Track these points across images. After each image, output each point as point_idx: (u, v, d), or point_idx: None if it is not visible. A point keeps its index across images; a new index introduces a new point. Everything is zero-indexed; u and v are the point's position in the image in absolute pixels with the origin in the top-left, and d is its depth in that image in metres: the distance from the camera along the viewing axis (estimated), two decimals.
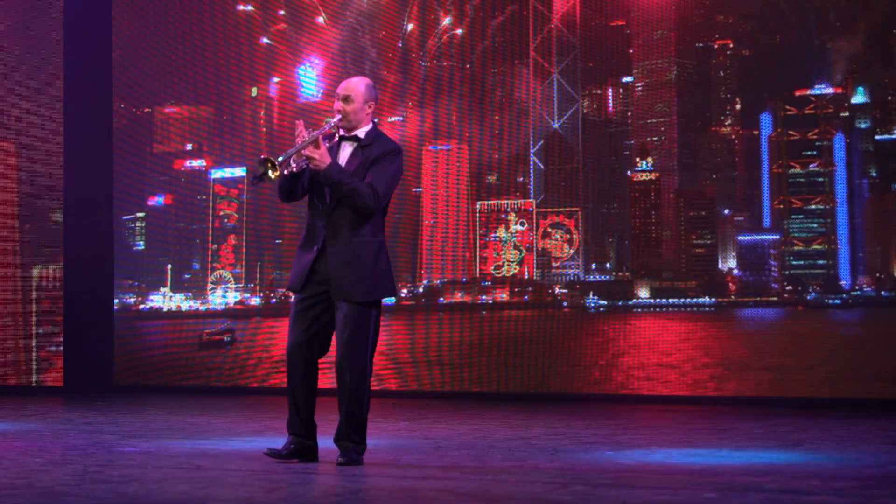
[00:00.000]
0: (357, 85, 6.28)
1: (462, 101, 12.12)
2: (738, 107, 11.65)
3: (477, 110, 12.10)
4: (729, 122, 11.66)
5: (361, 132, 6.31)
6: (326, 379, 6.42)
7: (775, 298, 11.13)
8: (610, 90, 12.14)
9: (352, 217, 6.17)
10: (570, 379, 11.09)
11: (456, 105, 12.15)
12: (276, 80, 12.84)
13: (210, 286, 12.95)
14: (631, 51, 11.99)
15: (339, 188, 6.10)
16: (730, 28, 11.62)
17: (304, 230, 6.36)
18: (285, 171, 6.12)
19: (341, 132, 6.34)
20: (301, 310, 6.29)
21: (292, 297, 6.46)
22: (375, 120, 6.45)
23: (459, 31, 12.04)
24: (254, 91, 13.04)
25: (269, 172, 6.03)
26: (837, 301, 10.85)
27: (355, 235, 6.18)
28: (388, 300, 11.49)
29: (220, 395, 11.88)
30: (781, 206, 11.15)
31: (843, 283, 10.82)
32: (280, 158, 6.10)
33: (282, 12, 12.58)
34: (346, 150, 6.30)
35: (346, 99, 6.24)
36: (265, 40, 12.67)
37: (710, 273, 11.38)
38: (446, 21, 12.10)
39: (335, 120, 6.26)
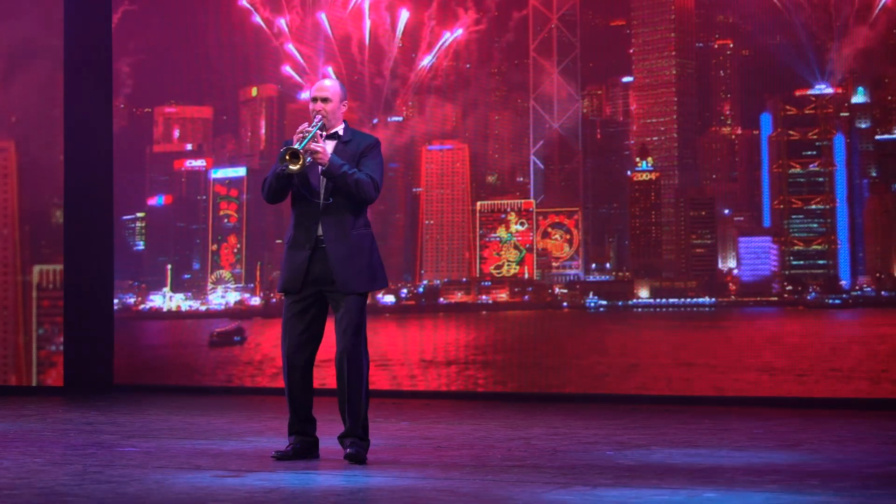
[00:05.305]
0: (333, 86, 6.50)
1: (462, 101, 12.12)
2: (738, 107, 11.65)
3: (477, 110, 12.10)
4: (729, 122, 11.66)
5: (339, 130, 6.49)
6: (323, 378, 6.43)
7: (775, 298, 11.13)
8: (610, 90, 12.14)
9: (346, 212, 6.31)
10: (570, 379, 11.09)
11: (456, 105, 12.14)
12: (275, 80, 12.84)
13: (210, 286, 12.95)
14: (631, 51, 11.99)
15: (344, 179, 6.25)
16: (730, 28, 11.62)
17: (290, 230, 6.43)
18: (294, 168, 6.19)
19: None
20: (296, 313, 6.36)
21: (284, 299, 6.51)
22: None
23: (460, 31, 12.03)
24: (254, 91, 13.03)
25: (300, 160, 6.13)
26: (837, 301, 10.85)
27: (353, 228, 6.33)
28: (389, 300, 11.50)
29: (221, 395, 11.88)
30: (781, 206, 11.14)
31: (843, 283, 10.81)
32: (304, 143, 6.20)
33: (282, 22, 12.58)
34: (328, 148, 6.40)
35: (325, 100, 6.42)
36: (267, 39, 12.67)
37: (710, 273, 11.38)
38: (447, 21, 12.10)
39: (318, 119, 6.37)
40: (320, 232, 6.32)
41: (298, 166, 6.17)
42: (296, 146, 6.19)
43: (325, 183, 6.32)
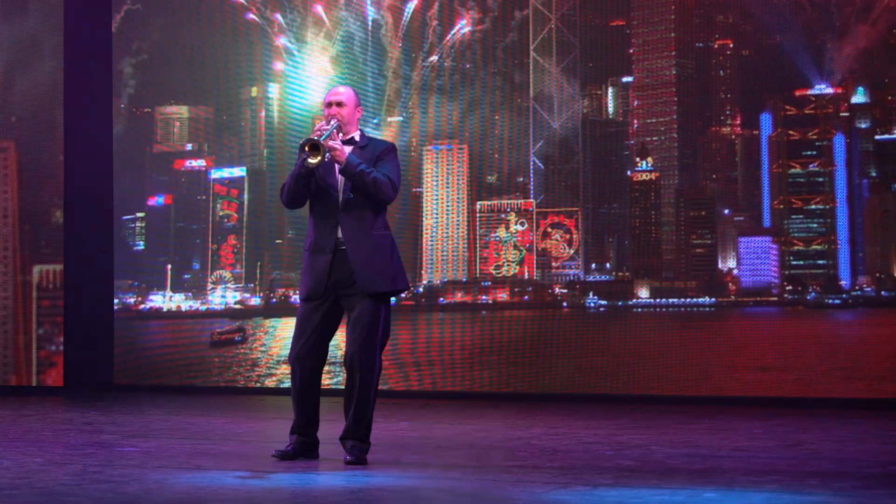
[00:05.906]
0: (347, 91, 6.53)
1: (462, 101, 12.11)
2: (738, 107, 11.65)
3: (477, 110, 12.10)
4: (729, 122, 11.66)
5: (355, 136, 6.49)
6: (329, 379, 6.43)
7: (775, 298, 11.13)
8: (610, 90, 12.14)
9: (366, 211, 6.29)
10: (570, 379, 11.09)
11: (456, 105, 12.14)
12: (275, 80, 12.83)
13: (210, 286, 12.95)
14: (631, 51, 11.99)
15: (362, 178, 6.23)
16: (730, 28, 11.62)
17: (310, 235, 6.39)
18: (313, 161, 6.17)
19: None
20: (312, 317, 6.33)
21: (299, 301, 6.48)
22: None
23: (461, 31, 12.04)
24: (254, 91, 13.03)
25: (320, 151, 6.12)
26: (837, 301, 10.84)
27: (373, 229, 6.32)
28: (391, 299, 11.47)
29: (220, 395, 11.88)
30: (781, 206, 11.14)
31: (843, 283, 10.81)
32: (324, 137, 6.19)
33: (280, 17, 12.58)
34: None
35: (340, 104, 6.43)
36: (267, 38, 12.67)
37: (710, 273, 11.38)
38: (449, 21, 12.10)
39: (334, 122, 6.36)
40: (340, 234, 6.30)
41: (318, 159, 6.14)
42: (315, 138, 6.18)
43: (343, 183, 6.31)
